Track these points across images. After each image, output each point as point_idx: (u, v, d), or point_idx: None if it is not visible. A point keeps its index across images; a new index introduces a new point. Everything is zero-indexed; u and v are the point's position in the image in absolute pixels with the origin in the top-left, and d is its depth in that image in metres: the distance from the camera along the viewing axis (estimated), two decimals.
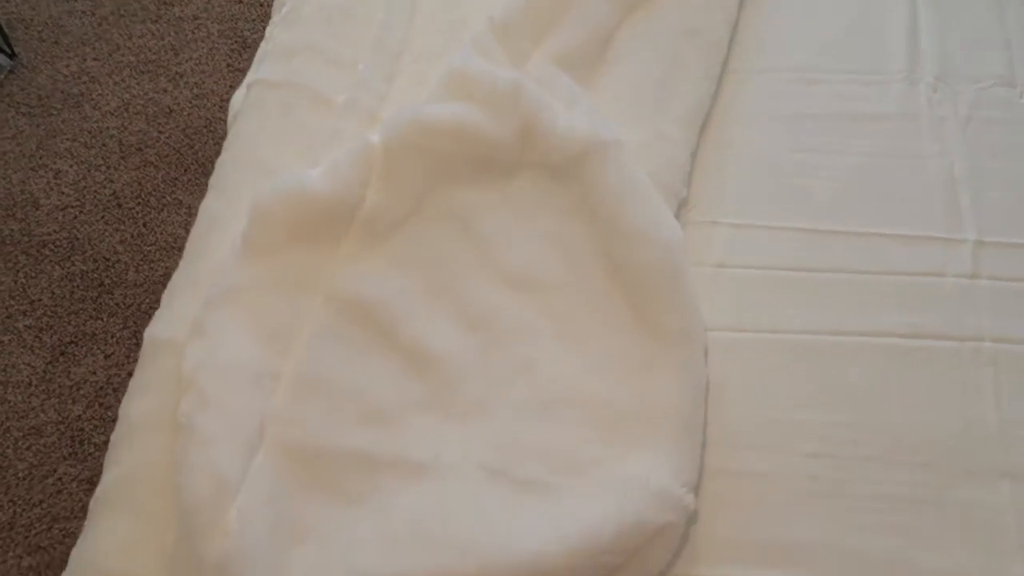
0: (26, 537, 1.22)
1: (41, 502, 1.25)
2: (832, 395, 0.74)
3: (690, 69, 0.94)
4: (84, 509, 1.23)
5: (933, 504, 0.67)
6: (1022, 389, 0.72)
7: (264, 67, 1.01)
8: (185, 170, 1.61)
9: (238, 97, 1.10)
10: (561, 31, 0.94)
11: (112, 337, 1.41)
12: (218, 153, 1.50)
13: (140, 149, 1.65)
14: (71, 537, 1.21)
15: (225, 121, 1.65)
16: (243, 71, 1.76)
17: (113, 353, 1.39)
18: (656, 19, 0.97)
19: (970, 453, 0.70)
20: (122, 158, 1.64)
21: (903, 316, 0.77)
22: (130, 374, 1.39)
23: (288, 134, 0.92)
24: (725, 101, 0.95)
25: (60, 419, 1.33)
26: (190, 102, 1.73)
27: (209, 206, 0.88)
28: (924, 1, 1.01)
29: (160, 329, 0.79)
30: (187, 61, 1.80)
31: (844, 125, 0.92)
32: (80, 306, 1.45)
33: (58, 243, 1.52)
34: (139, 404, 0.74)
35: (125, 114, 1.71)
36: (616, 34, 0.95)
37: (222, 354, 0.70)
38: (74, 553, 0.67)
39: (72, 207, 1.57)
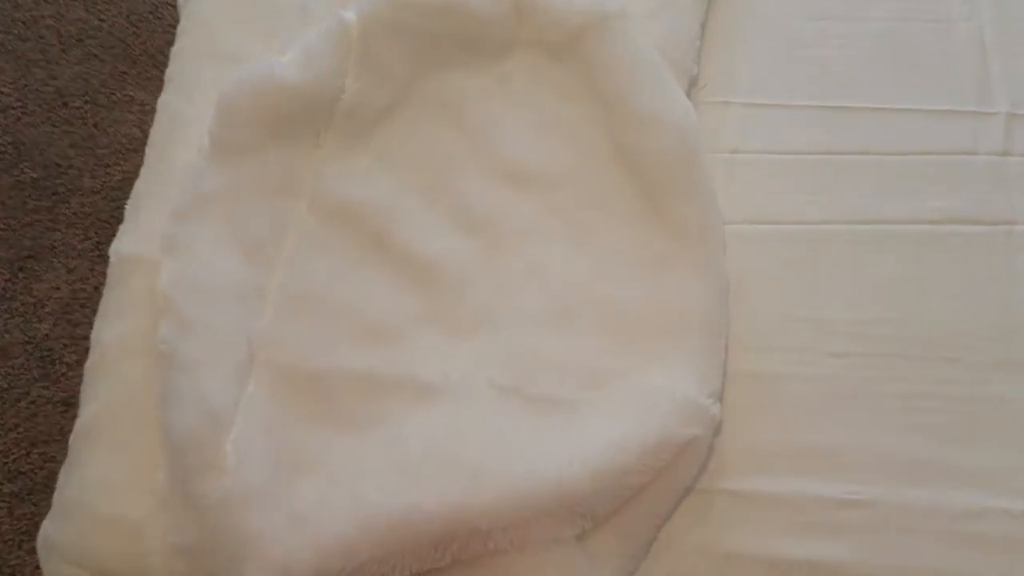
0: (5, 463, 1.17)
1: (16, 426, 1.20)
2: (857, 289, 0.69)
3: None
4: (62, 432, 1.18)
5: (966, 401, 0.64)
6: None
7: None
8: (134, 62, 1.48)
9: None
10: None
11: (72, 250, 1.32)
12: (169, 42, 1.36)
13: (81, 40, 1.50)
14: (52, 462, 1.16)
15: (174, 5, 1.50)
16: None
17: (76, 267, 1.31)
18: None
19: (1003, 345, 0.66)
20: (62, 51, 1.49)
21: (931, 201, 0.72)
22: (96, 288, 1.31)
23: (251, 14, 0.82)
24: None
25: (27, 339, 1.26)
26: None
27: (168, 102, 0.79)
28: None
29: (127, 245, 0.71)
30: None
31: None
32: (35, 217, 1.35)
33: (3, 148, 1.40)
34: (112, 329, 0.68)
35: (60, 1, 1.55)
36: None
37: (200, 271, 0.63)
38: (57, 495, 0.62)
39: (14, 108, 1.44)
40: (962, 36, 0.79)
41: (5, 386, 1.21)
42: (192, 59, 0.81)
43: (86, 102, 1.44)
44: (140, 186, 0.75)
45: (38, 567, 0.70)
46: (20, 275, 1.30)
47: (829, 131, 0.76)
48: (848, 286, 0.69)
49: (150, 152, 0.77)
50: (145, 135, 1.38)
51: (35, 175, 1.38)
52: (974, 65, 0.78)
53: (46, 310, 1.27)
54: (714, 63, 0.80)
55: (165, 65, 1.45)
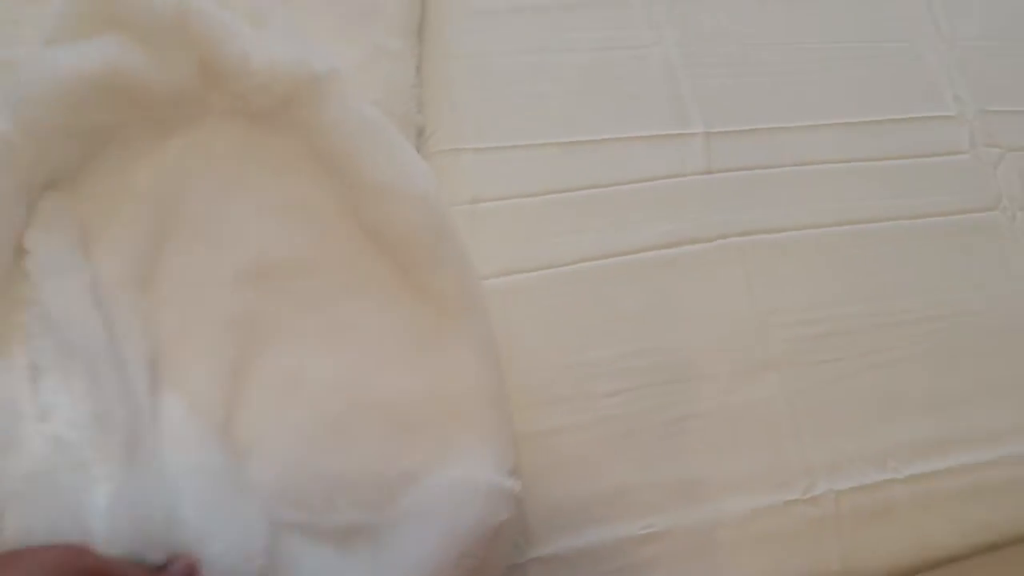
0: None
1: None
2: (615, 325, 0.72)
3: None
4: None
5: (723, 411, 0.70)
6: (771, 277, 0.76)
7: None
8: None
9: None
10: None
11: None
12: None
13: None
14: None
15: None
16: None
17: None
18: None
19: (739, 351, 0.73)
20: None
21: (660, 225, 0.77)
22: None
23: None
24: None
25: None
26: None
27: None
28: None
29: None
30: None
31: (560, 17, 0.85)
32: None
33: None
34: None
35: None
36: None
37: None
38: None
39: None
40: (654, 61, 0.85)
41: None
42: None
43: None
44: None
45: None
46: None
47: (559, 169, 0.77)
48: (607, 323, 0.72)
49: None
50: None
51: None
52: (668, 90, 0.84)
53: None
54: (436, 109, 0.77)
55: None
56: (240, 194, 0.64)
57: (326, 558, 0.54)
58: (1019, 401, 0.74)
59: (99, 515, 0.48)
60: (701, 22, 0.89)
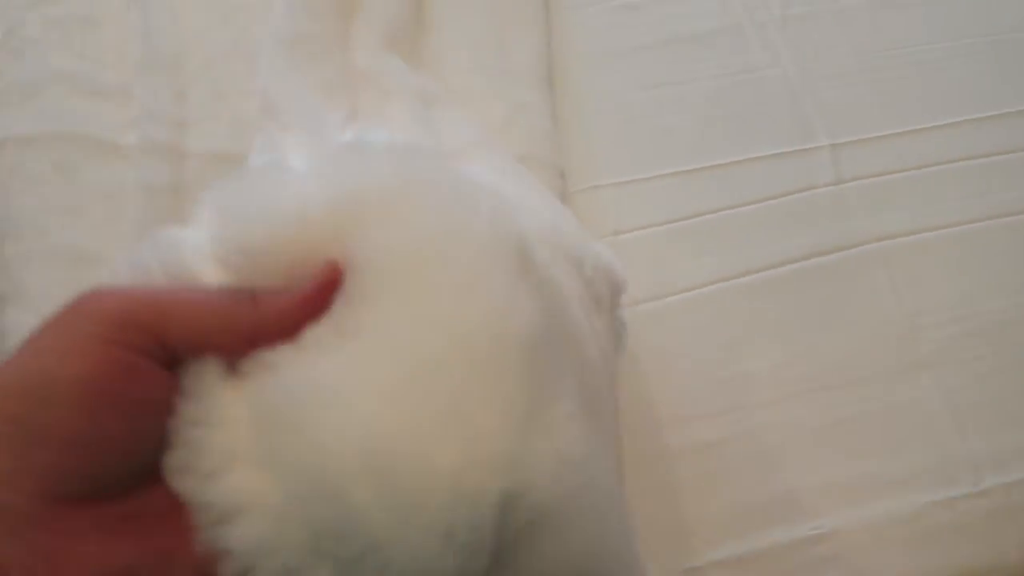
0: None
1: None
2: (763, 337, 0.76)
3: (516, 16, 0.87)
4: None
5: (881, 413, 0.73)
6: (915, 278, 0.78)
7: (4, 119, 0.79)
8: None
9: None
10: (368, 7, 0.81)
11: None
12: None
13: None
14: None
15: None
16: None
17: None
18: None
19: (890, 353, 0.75)
20: None
21: (796, 239, 0.80)
22: None
23: (84, 202, 0.74)
24: (557, 44, 0.90)
25: None
26: None
27: (18, 325, 0.69)
28: None
29: None
30: None
31: (679, 50, 0.90)
32: None
33: None
34: None
35: None
36: None
37: None
38: None
39: None
40: (773, 82, 0.88)
41: None
42: (26, 266, 0.71)
43: None
44: None
45: None
46: None
47: (692, 195, 0.82)
48: (755, 337, 0.75)
49: None
50: None
51: None
52: (790, 107, 0.87)
53: None
54: (572, 151, 0.83)
55: None
56: None
57: None
58: None
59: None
60: (814, 40, 0.92)
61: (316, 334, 0.32)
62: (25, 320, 0.69)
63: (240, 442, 0.31)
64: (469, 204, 0.35)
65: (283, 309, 0.33)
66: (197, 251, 0.36)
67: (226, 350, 0.33)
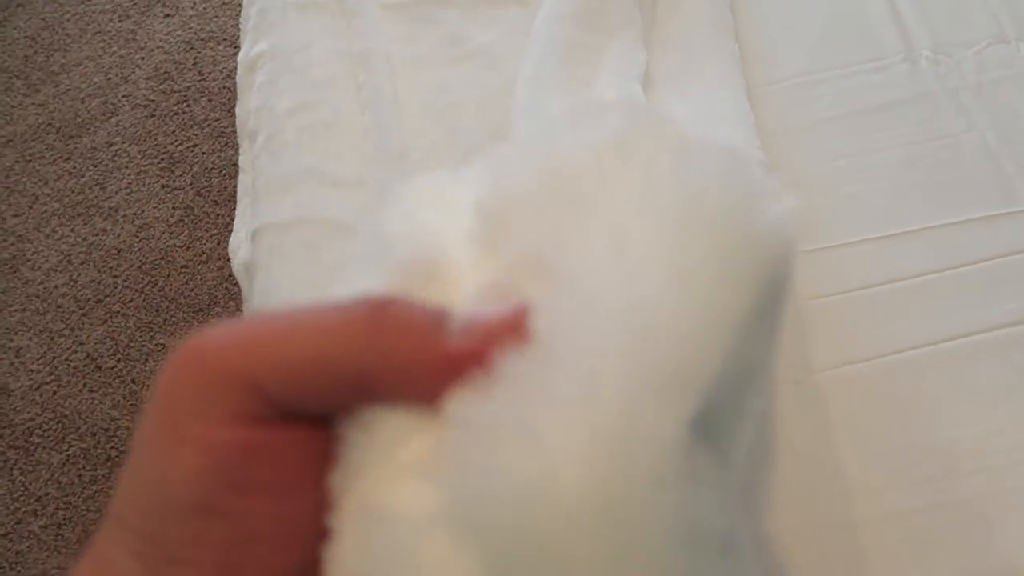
0: None
1: None
2: (971, 403, 0.74)
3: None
4: None
5: None
6: None
7: (264, 208, 0.94)
8: (157, 311, 1.51)
9: (238, 244, 1.03)
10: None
11: None
12: (188, 282, 1.42)
13: (99, 300, 1.54)
14: None
15: (185, 247, 1.55)
16: (180, 189, 1.67)
17: None
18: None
19: None
20: (83, 315, 1.52)
21: (1004, 304, 0.78)
22: None
23: (326, 276, 0.86)
24: None
25: None
26: (135, 235, 1.62)
27: None
28: None
29: None
30: (117, 193, 1.69)
31: (865, 121, 0.92)
32: (94, 488, 1.34)
33: (45, 427, 1.40)
34: None
35: (69, 266, 1.59)
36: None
37: None
38: None
39: (47, 384, 1.45)
40: (969, 146, 0.87)
41: None
42: None
43: (119, 360, 1.46)
44: None
45: None
46: None
47: (888, 260, 0.82)
48: (962, 402, 0.74)
49: None
50: None
51: (84, 445, 1.38)
52: (990, 170, 0.86)
53: None
54: None
55: (188, 307, 1.49)
56: None
57: None
58: None
59: None
60: (1013, 101, 0.90)
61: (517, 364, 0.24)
62: None
63: (432, 509, 0.24)
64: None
65: (485, 330, 0.24)
66: (448, 222, 0.31)
67: (406, 389, 0.24)
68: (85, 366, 1.45)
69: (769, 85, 0.96)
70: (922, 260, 0.81)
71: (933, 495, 0.70)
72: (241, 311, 1.57)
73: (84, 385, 1.42)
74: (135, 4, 2.05)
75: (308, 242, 0.89)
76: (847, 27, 0.99)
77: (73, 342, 1.48)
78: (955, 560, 0.67)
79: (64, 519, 1.31)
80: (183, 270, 1.53)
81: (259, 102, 1.05)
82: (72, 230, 1.63)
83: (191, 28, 1.96)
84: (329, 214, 0.91)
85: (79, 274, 1.56)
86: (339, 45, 1.06)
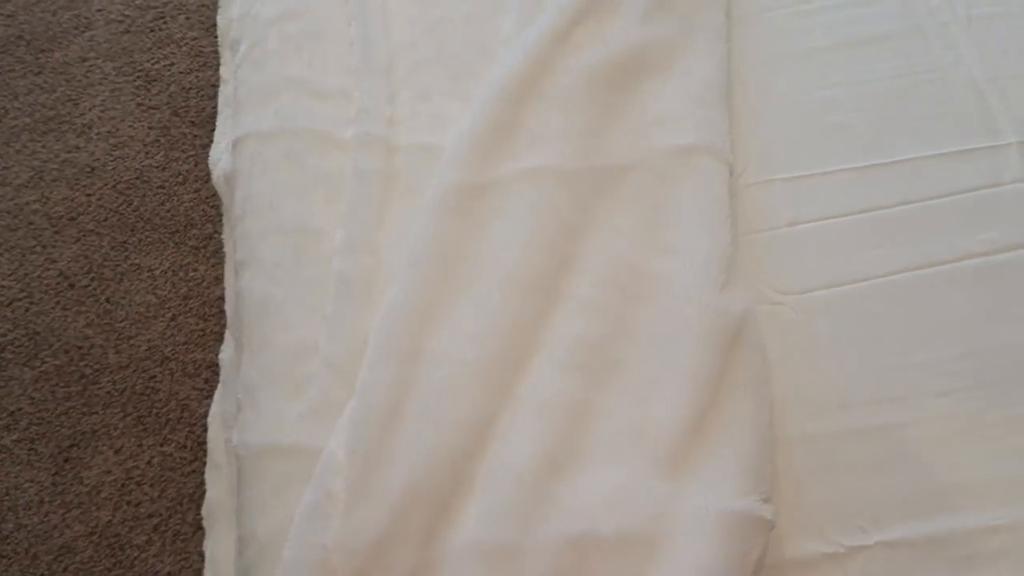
0: None
1: None
2: (939, 329, 0.75)
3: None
4: None
5: None
6: None
7: (246, 117, 0.92)
8: (132, 230, 1.49)
9: (219, 155, 1.01)
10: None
11: (114, 429, 1.30)
12: (164, 203, 1.41)
13: (73, 218, 1.51)
14: None
15: (161, 167, 1.52)
16: (156, 108, 1.63)
17: (122, 446, 1.29)
18: None
19: None
20: (56, 233, 1.49)
21: (978, 235, 0.79)
22: (149, 463, 1.30)
23: (308, 186, 0.85)
24: (737, 46, 0.93)
25: (89, 530, 1.24)
26: (109, 154, 1.58)
27: (251, 287, 0.81)
28: None
29: (255, 436, 0.73)
30: (90, 110, 1.64)
31: (856, 52, 0.91)
32: (67, 404, 1.33)
33: (18, 343, 1.39)
34: (264, 523, 0.69)
35: (41, 183, 1.55)
36: None
37: None
38: None
39: (19, 300, 1.43)
40: (956, 80, 0.88)
41: None
42: (264, 239, 0.83)
43: (92, 279, 1.44)
44: (250, 375, 0.76)
45: None
46: (66, 466, 1.27)
47: (868, 189, 0.83)
48: (931, 328, 0.75)
49: (248, 339, 0.78)
50: (160, 300, 1.40)
51: (57, 362, 1.36)
52: (975, 105, 0.86)
53: (102, 496, 1.25)
54: (747, 144, 0.86)
55: (163, 228, 1.47)
56: None
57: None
58: None
59: None
60: (1001, 39, 0.90)
61: None
62: (257, 284, 0.81)
63: None
64: None
65: None
66: None
67: None
68: (58, 284, 1.43)
69: (766, 12, 0.95)
70: (902, 190, 0.82)
71: (900, 413, 0.72)
72: (219, 233, 1.55)
73: (57, 303, 1.40)
74: None
75: (290, 152, 0.88)
76: None
77: (45, 259, 1.45)
78: (918, 475, 0.70)
79: (37, 434, 1.30)
80: (159, 190, 1.50)
81: (242, 10, 1.03)
82: (44, 146, 1.59)
83: None
84: (312, 125, 0.89)
85: (51, 191, 1.53)
86: None
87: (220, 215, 1.49)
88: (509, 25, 0.92)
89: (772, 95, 0.90)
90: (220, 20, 1.08)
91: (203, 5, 1.76)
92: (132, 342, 1.37)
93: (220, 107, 1.04)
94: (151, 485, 1.25)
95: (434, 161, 0.84)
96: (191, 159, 1.56)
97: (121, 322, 1.39)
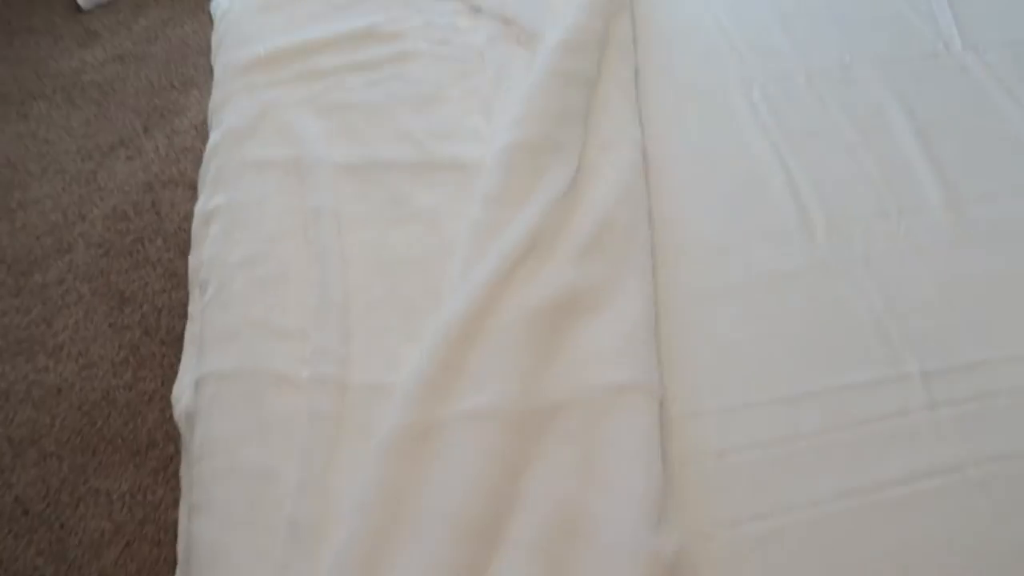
0: None
1: None
2: (867, 564, 0.78)
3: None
4: None
5: None
6: (1018, 504, 0.80)
7: (209, 357, 0.98)
8: (93, 452, 1.50)
9: (181, 391, 1.05)
10: None
11: None
12: (127, 423, 1.43)
13: (34, 441, 1.52)
14: None
15: (125, 386, 1.56)
16: (128, 328, 1.69)
17: None
18: None
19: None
20: (15, 456, 1.50)
21: (895, 462, 0.84)
22: None
23: (264, 428, 0.89)
24: (663, 284, 1.02)
25: None
26: (78, 374, 1.62)
27: (203, 533, 0.83)
28: (790, 154, 1.14)
29: None
30: (63, 331, 1.70)
31: (769, 288, 1.01)
32: None
33: None
34: None
35: (7, 404, 1.58)
36: None
37: None
38: None
39: None
40: (861, 314, 0.97)
41: None
42: (218, 481, 0.86)
43: (48, 505, 1.43)
44: None
45: None
46: None
47: (791, 419, 0.88)
48: (855, 561, 0.78)
49: None
50: (115, 525, 1.39)
51: None
52: (878, 336, 0.94)
53: None
54: (675, 381, 0.92)
55: (125, 449, 1.49)
56: None
57: None
58: None
59: None
60: (898, 273, 1.00)
61: None
62: (209, 530, 0.83)
63: None
64: None
65: None
66: None
67: None
68: (12, 510, 1.41)
69: (686, 253, 1.05)
70: (823, 420, 0.88)
71: None
72: (180, 453, 1.56)
73: (9, 530, 1.38)
74: (99, 146, 2.13)
75: (248, 393, 0.93)
76: (753, 200, 1.10)
77: (2, 484, 1.45)
78: None
79: None
80: (124, 410, 1.53)
81: (212, 253, 1.11)
82: (13, 367, 1.63)
83: (152, 171, 2.04)
84: (271, 365, 0.95)
85: (16, 412, 1.55)
86: (292, 201, 1.14)
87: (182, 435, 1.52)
88: (457, 267, 1.01)
89: (697, 330, 0.98)
90: (192, 260, 1.17)
91: (181, 229, 1.88)
92: (82, 570, 1.34)
93: (186, 343, 1.10)
94: None
95: (385, 401, 0.89)
96: (158, 378, 1.61)
97: (74, 550, 1.37)
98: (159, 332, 1.67)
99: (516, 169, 1.06)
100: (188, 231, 1.93)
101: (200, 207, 1.21)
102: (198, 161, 1.93)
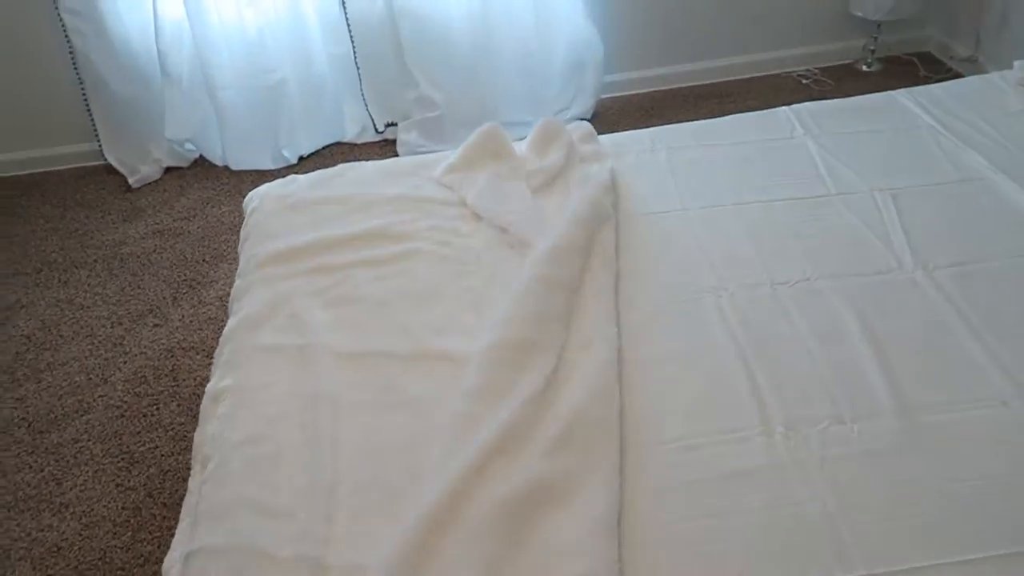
0: None
1: None
2: None
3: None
4: None
5: None
6: None
7: (201, 531, 1.05)
8: None
9: (172, 563, 1.12)
10: None
11: None
12: None
13: None
14: None
15: (122, 547, 1.61)
16: (133, 489, 1.76)
17: None
18: None
19: None
20: None
21: None
22: None
23: None
24: (628, 477, 1.09)
25: None
26: (79, 534, 1.68)
27: None
28: (753, 357, 1.25)
29: None
30: (71, 489, 1.78)
31: (729, 484, 1.08)
32: None
33: None
34: None
35: (7, 562, 1.63)
36: None
37: None
38: None
39: None
40: (813, 515, 1.02)
41: None
42: None
43: None
44: None
45: None
46: None
47: None
48: None
49: None
50: None
51: None
52: (829, 538, 1.00)
53: None
54: (635, 571, 0.99)
55: None
56: None
57: None
58: None
59: None
60: (851, 476, 1.07)
61: None
62: None
63: None
64: None
65: None
66: None
67: None
68: None
69: (656, 446, 1.13)
70: None
71: None
72: None
73: None
74: (129, 313, 2.29)
75: (233, 568, 0.99)
76: (718, 400, 1.19)
77: None
78: None
79: None
80: (118, 572, 1.57)
81: (216, 430, 1.21)
82: (18, 524, 1.69)
83: (175, 338, 2.18)
84: (256, 543, 1.02)
85: (14, 571, 1.59)
86: (294, 387, 1.25)
87: None
88: (437, 455, 1.10)
89: (659, 524, 1.04)
90: (197, 437, 1.26)
91: (195, 394, 1.99)
92: None
93: (183, 515, 1.17)
94: None
95: None
96: (155, 540, 1.66)
97: None
98: (162, 494, 1.74)
99: (497, 366, 1.17)
100: (202, 395, 2.05)
101: (211, 387, 1.32)
102: (219, 330, 2.08)
